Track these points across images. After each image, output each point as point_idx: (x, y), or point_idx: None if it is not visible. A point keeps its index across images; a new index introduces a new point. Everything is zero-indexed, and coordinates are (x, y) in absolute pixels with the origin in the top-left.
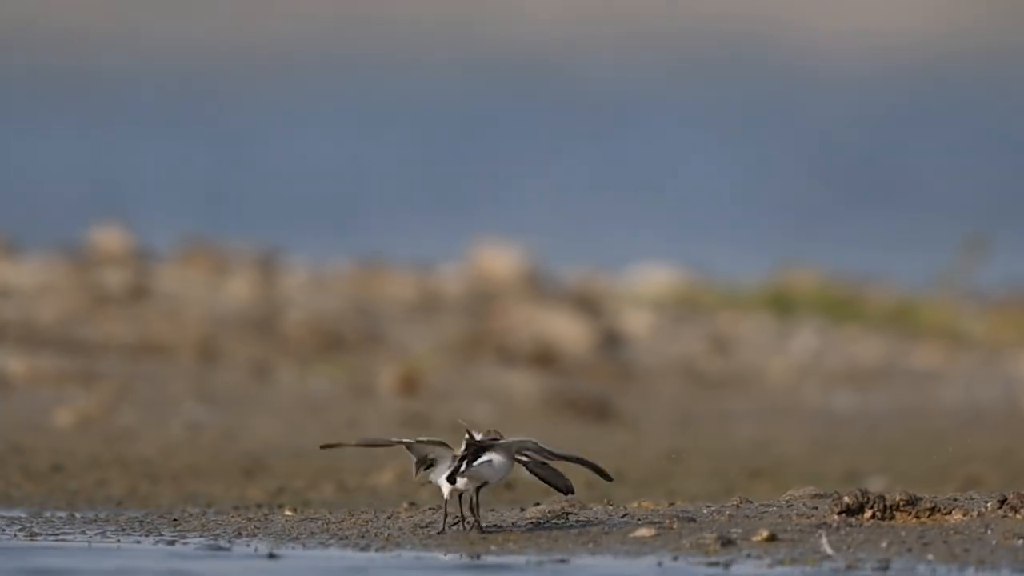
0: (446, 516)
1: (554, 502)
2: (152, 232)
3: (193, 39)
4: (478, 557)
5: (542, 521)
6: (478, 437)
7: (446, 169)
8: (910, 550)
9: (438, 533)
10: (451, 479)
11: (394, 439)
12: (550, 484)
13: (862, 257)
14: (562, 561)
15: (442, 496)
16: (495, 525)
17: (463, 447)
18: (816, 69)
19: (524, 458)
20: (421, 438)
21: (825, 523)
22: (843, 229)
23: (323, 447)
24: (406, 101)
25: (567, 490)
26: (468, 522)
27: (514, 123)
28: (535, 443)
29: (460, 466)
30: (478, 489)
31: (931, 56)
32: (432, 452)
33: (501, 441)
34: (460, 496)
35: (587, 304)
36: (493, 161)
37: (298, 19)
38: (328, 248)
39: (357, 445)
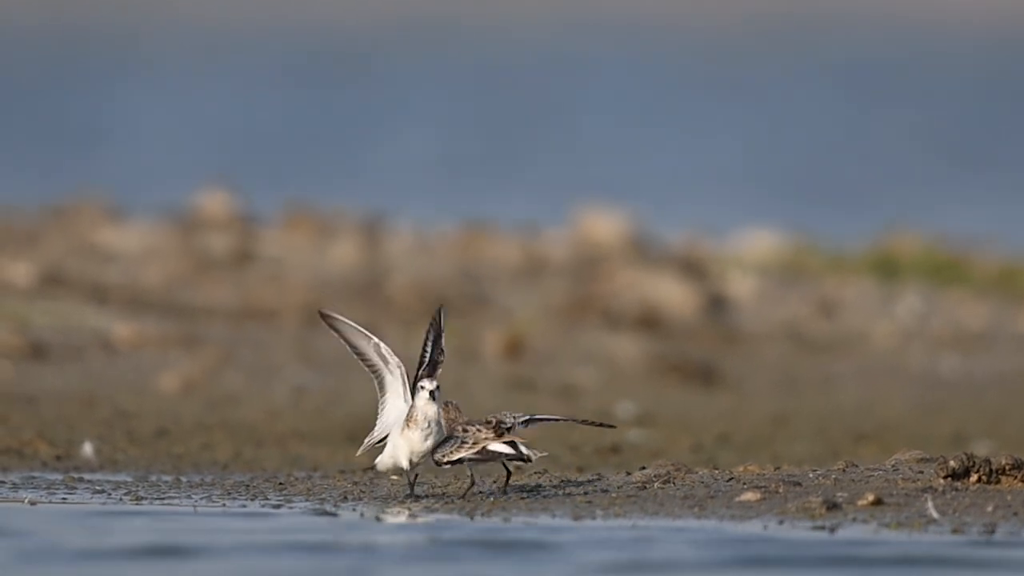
0: (412, 483)
1: (659, 466)
2: (257, 196)
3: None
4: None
5: (647, 485)
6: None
7: (552, 134)
8: (1016, 514)
9: (406, 496)
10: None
11: (376, 341)
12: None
13: (967, 221)
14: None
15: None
16: (601, 489)
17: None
18: (924, 34)
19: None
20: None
21: (931, 487)
22: (949, 193)
23: (321, 314)
24: (513, 66)
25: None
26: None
27: (617, 89)
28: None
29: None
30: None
31: None
32: (391, 406)
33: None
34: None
35: (692, 268)
36: (600, 126)
37: None
38: (433, 211)
39: (348, 330)
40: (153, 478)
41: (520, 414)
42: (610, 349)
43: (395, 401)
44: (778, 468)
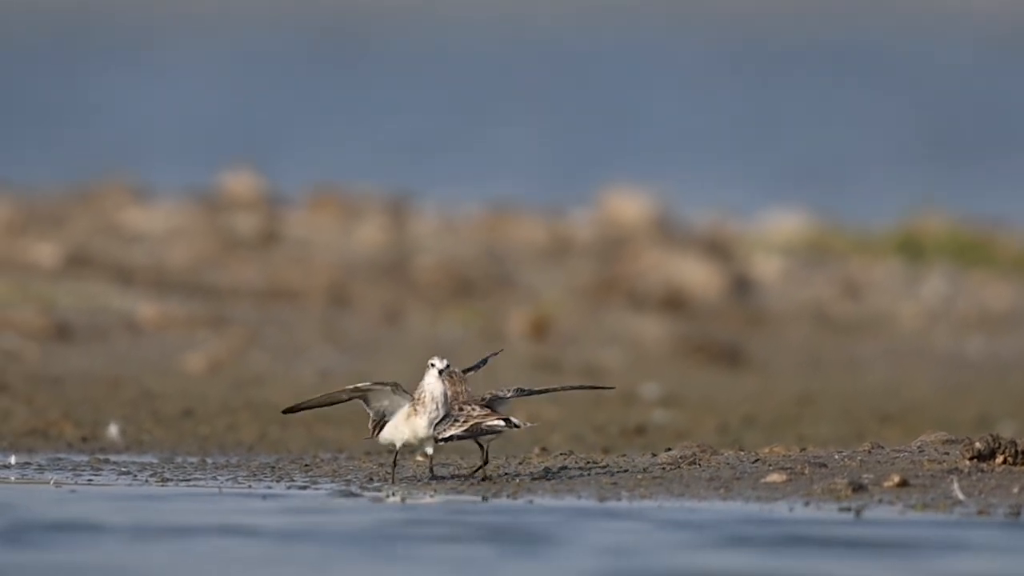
0: (395, 465)
1: (685, 447)
2: (282, 177)
3: None
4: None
5: (673, 466)
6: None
7: (575, 114)
8: None
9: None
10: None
11: (348, 389)
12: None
13: (993, 202)
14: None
15: (393, 449)
16: (626, 470)
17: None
18: (948, 14)
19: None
20: (376, 382)
21: (956, 468)
22: (975, 174)
23: (286, 412)
24: (538, 44)
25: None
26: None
27: (643, 70)
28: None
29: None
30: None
31: None
32: (387, 401)
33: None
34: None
35: (717, 249)
36: (625, 107)
37: None
38: (458, 193)
39: (322, 405)
40: (179, 459)
41: (514, 388)
42: (635, 330)
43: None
44: (804, 449)
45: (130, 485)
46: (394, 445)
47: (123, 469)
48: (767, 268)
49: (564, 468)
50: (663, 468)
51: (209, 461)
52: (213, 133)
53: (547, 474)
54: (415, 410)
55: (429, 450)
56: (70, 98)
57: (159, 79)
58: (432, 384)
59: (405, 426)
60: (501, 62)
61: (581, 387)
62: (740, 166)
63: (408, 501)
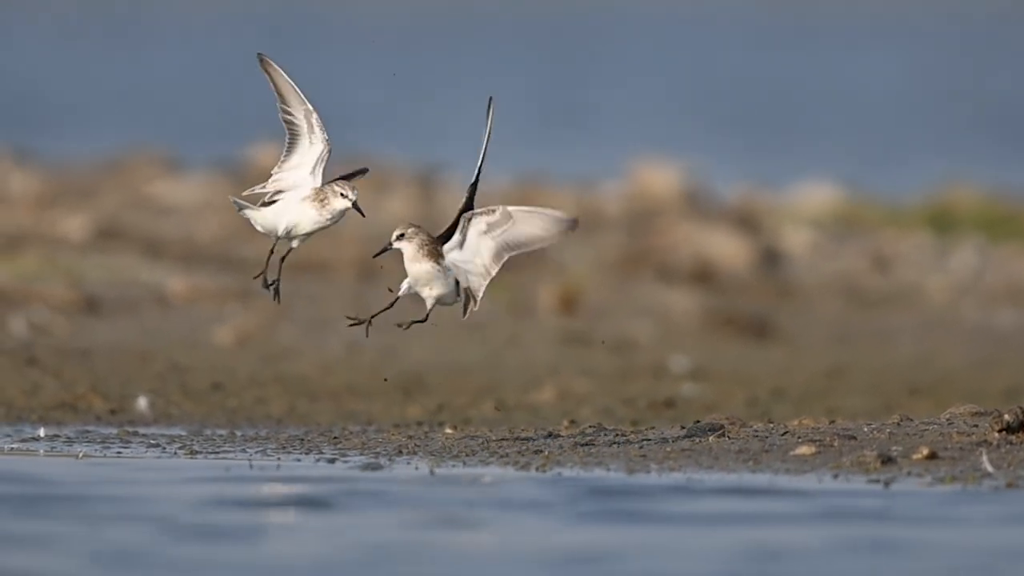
0: (268, 263)
1: (714, 419)
2: None
3: None
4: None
5: (702, 438)
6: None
7: (607, 87)
8: None
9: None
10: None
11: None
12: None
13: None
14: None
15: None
16: (656, 443)
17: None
18: None
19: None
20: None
21: (985, 441)
22: (1004, 146)
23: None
24: (568, 19)
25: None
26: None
27: (670, 42)
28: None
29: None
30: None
31: None
32: (293, 178)
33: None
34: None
35: (747, 222)
36: (654, 79)
37: None
38: (487, 165)
39: (275, 81)
40: (208, 432)
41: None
42: (665, 303)
43: (299, 168)
44: (833, 422)
45: (159, 458)
46: (274, 232)
47: (152, 442)
48: (797, 241)
49: (593, 441)
50: (692, 441)
51: (238, 434)
52: (243, 105)
53: (576, 447)
54: (313, 201)
55: (294, 244)
56: (101, 71)
57: (188, 51)
58: (341, 206)
59: (296, 209)
60: (530, 30)
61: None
62: (770, 138)
63: (437, 472)
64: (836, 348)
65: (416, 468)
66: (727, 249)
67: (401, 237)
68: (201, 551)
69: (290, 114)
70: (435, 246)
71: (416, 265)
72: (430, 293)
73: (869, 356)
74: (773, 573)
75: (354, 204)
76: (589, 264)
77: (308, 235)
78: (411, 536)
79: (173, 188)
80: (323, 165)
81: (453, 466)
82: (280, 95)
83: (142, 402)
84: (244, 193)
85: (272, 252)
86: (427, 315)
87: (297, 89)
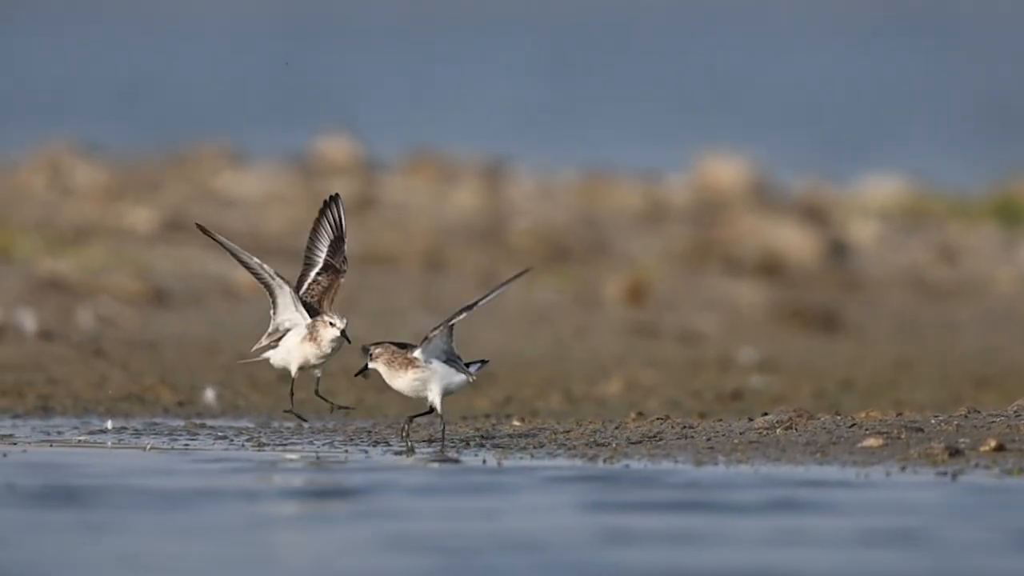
0: (293, 393)
1: (781, 412)
2: (378, 141)
3: None
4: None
5: (770, 431)
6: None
7: (675, 79)
8: None
9: (284, 412)
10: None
11: (267, 268)
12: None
13: None
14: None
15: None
16: (723, 434)
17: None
18: None
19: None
20: (288, 281)
21: None
22: None
23: (198, 225)
24: (637, 11)
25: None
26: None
27: (739, 34)
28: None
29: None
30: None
31: None
32: (287, 316)
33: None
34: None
35: (814, 214)
36: (721, 72)
37: None
38: (554, 157)
39: (231, 250)
40: (275, 424)
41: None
42: (731, 295)
43: (287, 312)
44: (900, 414)
45: (226, 449)
46: (288, 370)
47: (219, 434)
48: (863, 233)
49: (660, 433)
50: (759, 433)
51: (306, 426)
52: (309, 97)
53: (643, 439)
54: (310, 339)
55: (318, 373)
56: (165, 62)
57: (255, 43)
58: (330, 337)
59: (297, 349)
60: (597, 25)
61: (505, 284)
62: (837, 131)
63: (504, 464)
64: (903, 340)
65: (483, 460)
66: (794, 241)
67: (370, 358)
68: (279, 538)
69: (250, 269)
70: (405, 353)
71: (398, 380)
72: (431, 394)
73: (936, 348)
74: (842, 562)
75: (342, 332)
76: (656, 256)
77: (322, 364)
78: (486, 525)
79: (238, 180)
80: (300, 301)
81: (520, 458)
82: (235, 257)
83: (209, 394)
84: (253, 349)
85: (293, 386)
86: (433, 409)
87: (238, 249)
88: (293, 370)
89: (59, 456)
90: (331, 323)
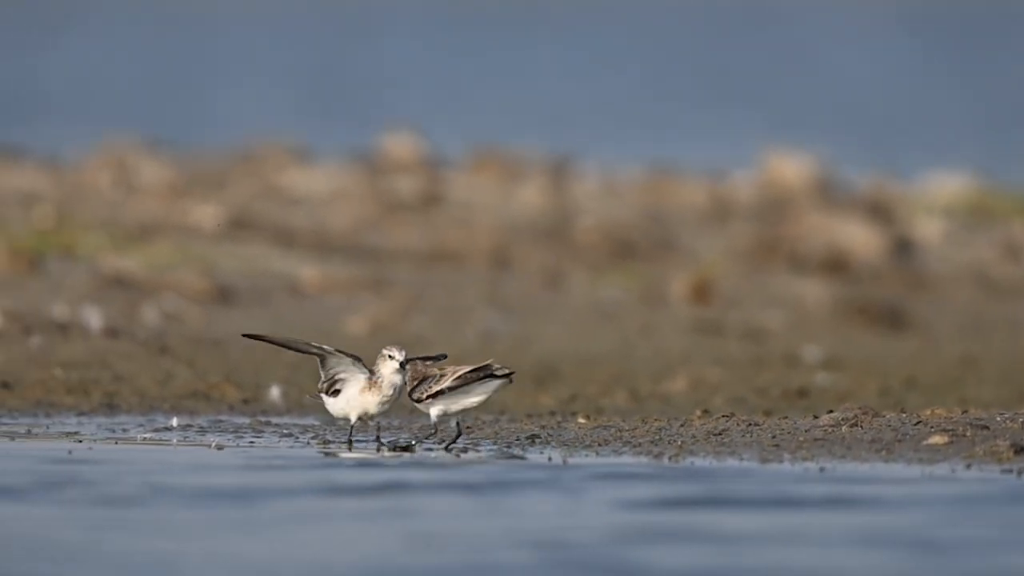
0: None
1: (847, 409)
2: (443, 139)
3: None
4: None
5: (835, 428)
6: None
7: (737, 76)
8: None
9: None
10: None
11: (313, 346)
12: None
13: None
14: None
15: (349, 421)
16: (788, 432)
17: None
18: None
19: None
20: (339, 349)
21: None
22: None
23: (244, 335)
24: (699, 10)
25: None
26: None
27: (807, 34)
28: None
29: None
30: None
31: None
32: (344, 371)
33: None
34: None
35: (879, 211)
36: (784, 69)
37: None
38: (619, 154)
39: (280, 344)
40: (341, 422)
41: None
42: (797, 292)
43: (340, 364)
44: (965, 412)
45: (291, 447)
46: (348, 418)
47: (285, 431)
48: (929, 230)
49: (725, 430)
50: (825, 430)
51: (372, 423)
52: (374, 94)
53: (709, 436)
54: (370, 388)
55: (372, 422)
56: (230, 59)
57: (320, 40)
58: (390, 375)
59: (357, 400)
60: (662, 22)
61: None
62: (902, 128)
63: (569, 462)
64: (968, 337)
65: (549, 458)
66: (859, 238)
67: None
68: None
69: (308, 353)
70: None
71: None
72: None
73: (1002, 346)
74: (906, 560)
75: (401, 364)
76: (721, 253)
77: (381, 414)
78: (551, 522)
79: (304, 177)
80: (359, 364)
81: (585, 456)
82: (291, 350)
83: (275, 391)
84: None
85: (352, 434)
86: (435, 429)
87: (293, 341)
88: (353, 418)
89: (124, 453)
90: (389, 356)
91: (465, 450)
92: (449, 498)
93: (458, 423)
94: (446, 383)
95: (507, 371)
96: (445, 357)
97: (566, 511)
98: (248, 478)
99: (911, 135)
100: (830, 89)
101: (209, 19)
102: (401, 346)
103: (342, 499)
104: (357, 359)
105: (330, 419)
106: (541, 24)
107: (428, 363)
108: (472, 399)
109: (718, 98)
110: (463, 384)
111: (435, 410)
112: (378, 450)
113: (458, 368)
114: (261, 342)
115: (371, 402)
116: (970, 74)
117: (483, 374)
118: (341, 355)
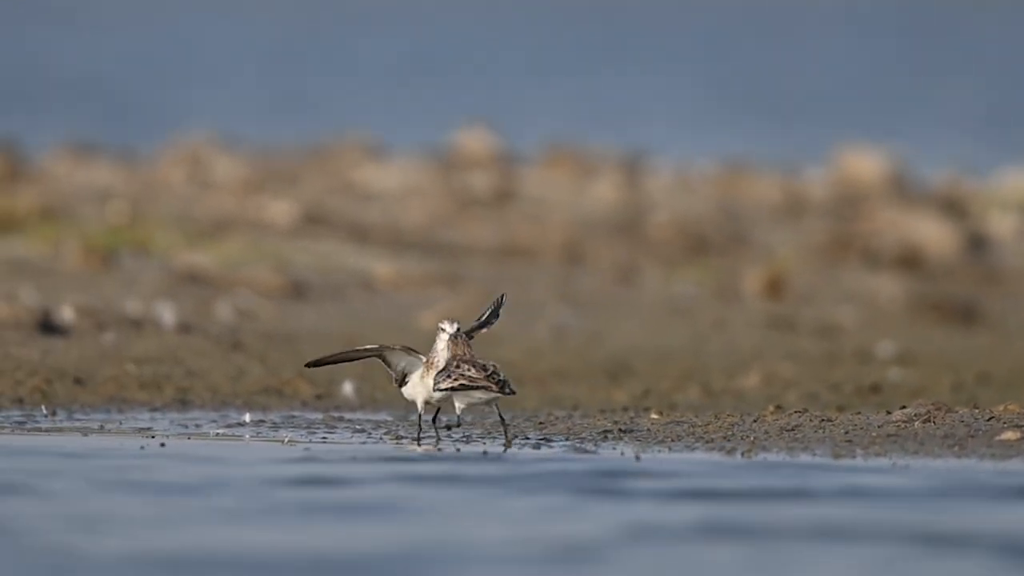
0: (420, 428)
1: (919, 405)
2: (517, 135)
3: None
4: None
5: (907, 424)
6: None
7: (812, 74)
8: None
9: (413, 439)
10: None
11: (367, 349)
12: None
13: None
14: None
15: (416, 408)
16: (860, 428)
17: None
18: None
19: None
20: (392, 344)
21: None
22: None
23: (308, 365)
24: (769, 8)
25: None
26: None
27: (873, 32)
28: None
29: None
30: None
31: None
32: (405, 363)
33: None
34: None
35: (952, 207)
36: (854, 67)
37: None
38: (693, 150)
39: (340, 360)
40: (413, 417)
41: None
42: (870, 288)
43: (403, 360)
44: None
45: (364, 443)
46: (416, 402)
47: (357, 427)
48: (1002, 226)
49: (798, 426)
50: (898, 426)
51: (443, 419)
52: (448, 90)
53: (782, 432)
54: (427, 370)
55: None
56: (305, 55)
57: (395, 36)
58: (443, 348)
59: (420, 385)
60: (736, 21)
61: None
62: (977, 123)
63: (642, 457)
64: None
65: (622, 453)
66: (933, 235)
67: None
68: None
69: (370, 356)
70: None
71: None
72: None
73: None
74: (982, 557)
75: (452, 336)
76: (794, 249)
77: (446, 395)
78: (623, 517)
79: (378, 174)
80: (414, 352)
81: (658, 451)
82: (353, 360)
83: (348, 387)
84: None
85: (420, 421)
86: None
87: (354, 352)
88: (420, 404)
89: (197, 449)
90: (441, 328)
91: (538, 446)
92: (538, 497)
93: (459, 416)
94: (446, 384)
95: (507, 386)
96: (502, 302)
97: (637, 506)
98: (325, 470)
99: (986, 133)
100: (903, 86)
101: (282, 13)
102: (453, 319)
103: (413, 494)
104: (411, 349)
105: (403, 415)
106: (615, 21)
107: (466, 352)
108: (470, 400)
109: (786, 94)
110: (464, 388)
111: (458, 404)
112: (436, 444)
113: (467, 369)
114: (331, 342)
115: (430, 383)
116: None
117: (478, 384)
118: (393, 349)
